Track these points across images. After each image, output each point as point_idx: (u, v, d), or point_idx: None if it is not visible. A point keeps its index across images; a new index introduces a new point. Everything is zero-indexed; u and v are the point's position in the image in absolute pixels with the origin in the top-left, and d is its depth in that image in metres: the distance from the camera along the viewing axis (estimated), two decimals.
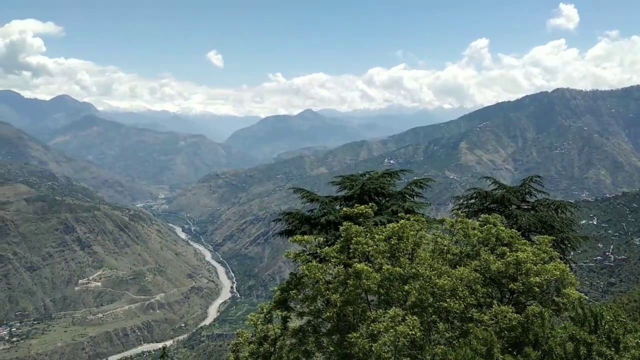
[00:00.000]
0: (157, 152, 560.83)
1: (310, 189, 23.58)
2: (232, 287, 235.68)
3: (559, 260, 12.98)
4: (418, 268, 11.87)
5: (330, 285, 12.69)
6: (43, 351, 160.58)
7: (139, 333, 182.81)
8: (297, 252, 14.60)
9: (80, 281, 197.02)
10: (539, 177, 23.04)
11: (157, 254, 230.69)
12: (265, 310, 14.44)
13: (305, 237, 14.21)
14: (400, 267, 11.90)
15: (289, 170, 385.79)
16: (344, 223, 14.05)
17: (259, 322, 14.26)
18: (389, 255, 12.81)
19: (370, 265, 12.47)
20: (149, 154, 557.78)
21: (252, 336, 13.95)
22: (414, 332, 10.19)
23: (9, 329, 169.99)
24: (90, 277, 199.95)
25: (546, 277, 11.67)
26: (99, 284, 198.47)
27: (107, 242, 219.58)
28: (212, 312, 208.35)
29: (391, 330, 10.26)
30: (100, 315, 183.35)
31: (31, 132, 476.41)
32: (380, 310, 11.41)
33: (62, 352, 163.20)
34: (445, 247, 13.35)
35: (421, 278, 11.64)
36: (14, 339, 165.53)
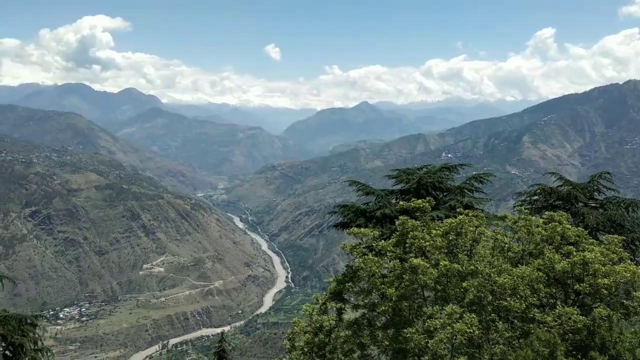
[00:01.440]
0: (217, 143, 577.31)
1: (365, 182, 23.50)
2: (287, 277, 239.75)
3: (629, 261, 12.31)
4: (477, 265, 11.61)
5: (386, 279, 12.63)
6: (110, 331, 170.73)
7: (198, 318, 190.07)
8: (353, 244, 14.62)
9: (144, 266, 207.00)
10: (608, 173, 21.85)
11: (216, 242, 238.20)
12: (320, 301, 14.58)
13: (362, 229, 14.22)
14: (458, 264, 11.68)
15: (344, 163, 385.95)
16: (400, 217, 13.92)
17: (314, 313, 14.43)
18: (446, 251, 12.60)
19: (427, 260, 12.33)
20: (209, 145, 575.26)
21: (307, 326, 14.15)
22: (471, 330, 9.98)
23: (79, 309, 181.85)
24: (154, 263, 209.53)
25: (615, 278, 11.10)
26: (162, 269, 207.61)
27: (170, 230, 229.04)
28: (268, 301, 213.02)
29: (448, 327, 10.11)
30: (162, 299, 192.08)
31: (101, 124, 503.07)
32: (437, 306, 11.25)
33: (127, 332, 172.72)
34: (506, 245, 12.96)
35: (480, 275, 11.37)
36: (84, 318, 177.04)
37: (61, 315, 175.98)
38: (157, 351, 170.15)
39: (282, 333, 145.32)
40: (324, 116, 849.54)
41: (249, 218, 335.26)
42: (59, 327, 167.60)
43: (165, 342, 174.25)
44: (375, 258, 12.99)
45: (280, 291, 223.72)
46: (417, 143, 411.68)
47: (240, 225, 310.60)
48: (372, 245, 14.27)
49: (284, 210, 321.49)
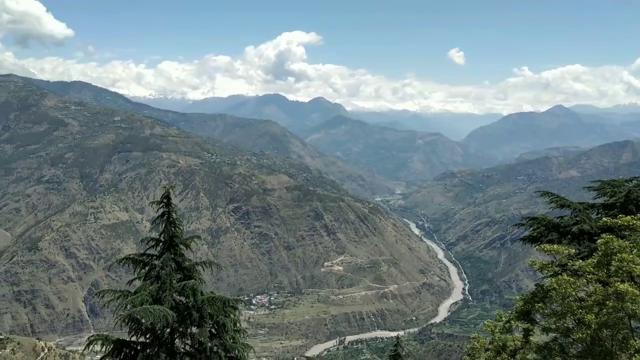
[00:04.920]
0: (396, 149, 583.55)
1: (557, 193, 21.42)
2: (463, 289, 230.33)
3: None
4: None
5: (583, 304, 11.41)
6: (294, 321, 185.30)
7: (373, 319, 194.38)
8: (544, 262, 13.54)
9: (325, 263, 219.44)
10: None
11: (391, 246, 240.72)
12: (504, 319, 13.87)
13: (555, 246, 13.08)
14: None
15: (532, 171, 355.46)
16: (603, 235, 12.46)
17: (496, 330, 13.78)
18: None
19: (637, 287, 10.80)
20: (388, 151, 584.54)
21: (489, 343, 13.55)
22: None
23: (269, 297, 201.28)
24: (334, 261, 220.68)
25: None
26: (341, 268, 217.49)
27: (349, 231, 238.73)
28: (443, 311, 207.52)
29: None
30: (340, 296, 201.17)
31: (293, 130, 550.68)
32: None
33: (309, 324, 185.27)
34: None
35: None
36: (272, 306, 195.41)
37: (254, 302, 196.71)
38: (334, 345, 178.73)
39: (458, 346, 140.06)
40: (510, 121, 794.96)
41: (425, 225, 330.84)
42: (251, 312, 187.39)
43: (342, 338, 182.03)
44: (571, 279, 11.84)
45: (456, 302, 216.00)
46: (623, 151, 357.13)
47: (416, 231, 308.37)
48: (566, 264, 13.04)
49: (463, 219, 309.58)
